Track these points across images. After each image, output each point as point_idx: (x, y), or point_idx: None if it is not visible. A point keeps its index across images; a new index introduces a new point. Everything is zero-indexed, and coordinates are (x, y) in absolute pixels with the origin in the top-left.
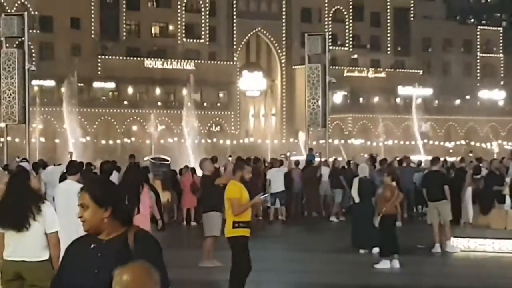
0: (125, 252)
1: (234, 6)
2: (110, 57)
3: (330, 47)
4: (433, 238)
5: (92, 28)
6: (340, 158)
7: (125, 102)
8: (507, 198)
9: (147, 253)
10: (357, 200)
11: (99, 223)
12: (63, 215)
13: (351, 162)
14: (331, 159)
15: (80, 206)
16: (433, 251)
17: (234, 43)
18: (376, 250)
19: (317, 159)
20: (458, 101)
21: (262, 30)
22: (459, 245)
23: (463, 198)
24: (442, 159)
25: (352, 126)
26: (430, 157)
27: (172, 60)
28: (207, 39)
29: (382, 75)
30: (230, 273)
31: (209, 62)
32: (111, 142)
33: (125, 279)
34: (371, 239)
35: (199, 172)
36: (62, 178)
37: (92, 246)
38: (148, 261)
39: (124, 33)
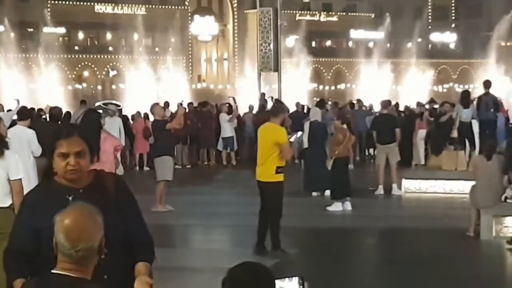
0: (109, 199)
1: None
2: (59, 2)
3: None
4: (385, 180)
5: None
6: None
7: (76, 48)
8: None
9: (131, 199)
10: (306, 145)
11: (86, 171)
12: None
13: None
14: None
15: (73, 154)
16: (376, 193)
17: None
18: (328, 193)
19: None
20: (409, 44)
21: None
22: (410, 186)
23: (414, 140)
24: (394, 102)
25: (305, 70)
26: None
27: (123, 5)
28: None
29: (334, 18)
30: (273, 217)
31: (160, 7)
32: (62, 88)
33: (66, 223)
34: (323, 182)
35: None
36: (12, 124)
37: (70, 196)
38: (133, 207)
39: None
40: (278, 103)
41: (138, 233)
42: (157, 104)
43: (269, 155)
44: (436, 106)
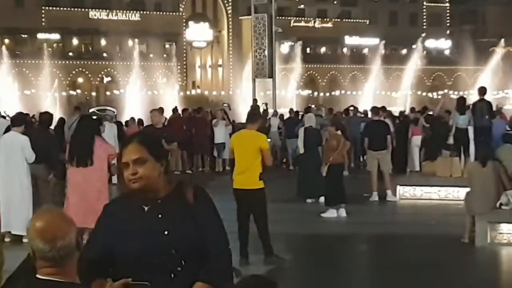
0: (186, 210)
1: None
2: (54, 8)
3: None
4: (380, 187)
5: None
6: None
7: (70, 54)
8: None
9: (210, 210)
10: (301, 150)
11: (155, 180)
12: (7, 166)
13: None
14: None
15: (133, 162)
16: (370, 199)
17: None
18: (323, 199)
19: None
20: (404, 51)
21: None
22: (405, 193)
23: (408, 146)
24: (389, 108)
25: (299, 76)
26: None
27: (117, 11)
28: None
29: (329, 25)
30: (262, 224)
31: (154, 13)
32: (56, 94)
33: (38, 226)
34: (318, 188)
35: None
36: (7, 130)
37: (146, 207)
38: (211, 219)
39: None
40: (254, 110)
41: (211, 246)
42: (155, 110)
43: (252, 162)
44: (431, 112)
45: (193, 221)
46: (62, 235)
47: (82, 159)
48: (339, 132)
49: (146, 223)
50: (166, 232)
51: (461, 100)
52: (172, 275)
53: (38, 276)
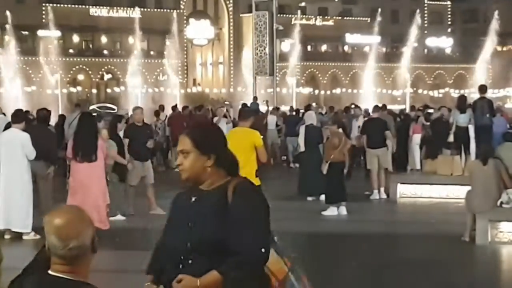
0: (222, 204)
1: None
2: (55, 4)
3: None
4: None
5: None
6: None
7: (71, 51)
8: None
9: (245, 207)
10: (302, 148)
11: (200, 172)
12: (7, 163)
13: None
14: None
15: (179, 153)
16: (371, 198)
17: None
18: (323, 197)
19: (264, 107)
20: (405, 49)
21: None
22: (405, 191)
23: (409, 145)
24: (389, 107)
25: (300, 74)
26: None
27: (118, 8)
28: None
29: (330, 23)
30: None
31: (155, 10)
32: (56, 91)
33: (55, 223)
34: (318, 186)
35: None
36: (7, 127)
37: (194, 198)
38: (245, 216)
39: None
40: (246, 107)
41: (235, 243)
42: (138, 108)
43: (248, 158)
44: (431, 110)
45: (225, 218)
46: (76, 235)
47: (87, 154)
48: (340, 130)
49: (185, 213)
50: (189, 224)
51: (462, 98)
52: (181, 266)
53: (50, 272)
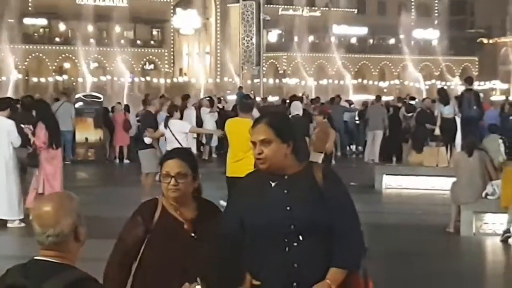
0: (314, 188)
1: None
2: None
3: None
4: (366, 176)
5: None
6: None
7: (57, 39)
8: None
9: (338, 191)
10: None
11: (281, 160)
12: None
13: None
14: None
15: (258, 142)
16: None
17: None
18: None
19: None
20: (392, 40)
21: None
22: (391, 182)
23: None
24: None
25: (286, 65)
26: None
27: None
28: None
29: (317, 13)
30: None
31: None
32: (42, 79)
33: (37, 210)
34: None
35: (132, 110)
36: None
37: (274, 183)
38: (339, 200)
39: None
40: (248, 99)
41: (340, 228)
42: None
43: (247, 150)
44: (413, 102)
45: (320, 199)
46: (53, 224)
47: (59, 141)
48: (325, 121)
49: (272, 198)
50: (288, 208)
51: (442, 91)
52: (287, 249)
53: (35, 257)
